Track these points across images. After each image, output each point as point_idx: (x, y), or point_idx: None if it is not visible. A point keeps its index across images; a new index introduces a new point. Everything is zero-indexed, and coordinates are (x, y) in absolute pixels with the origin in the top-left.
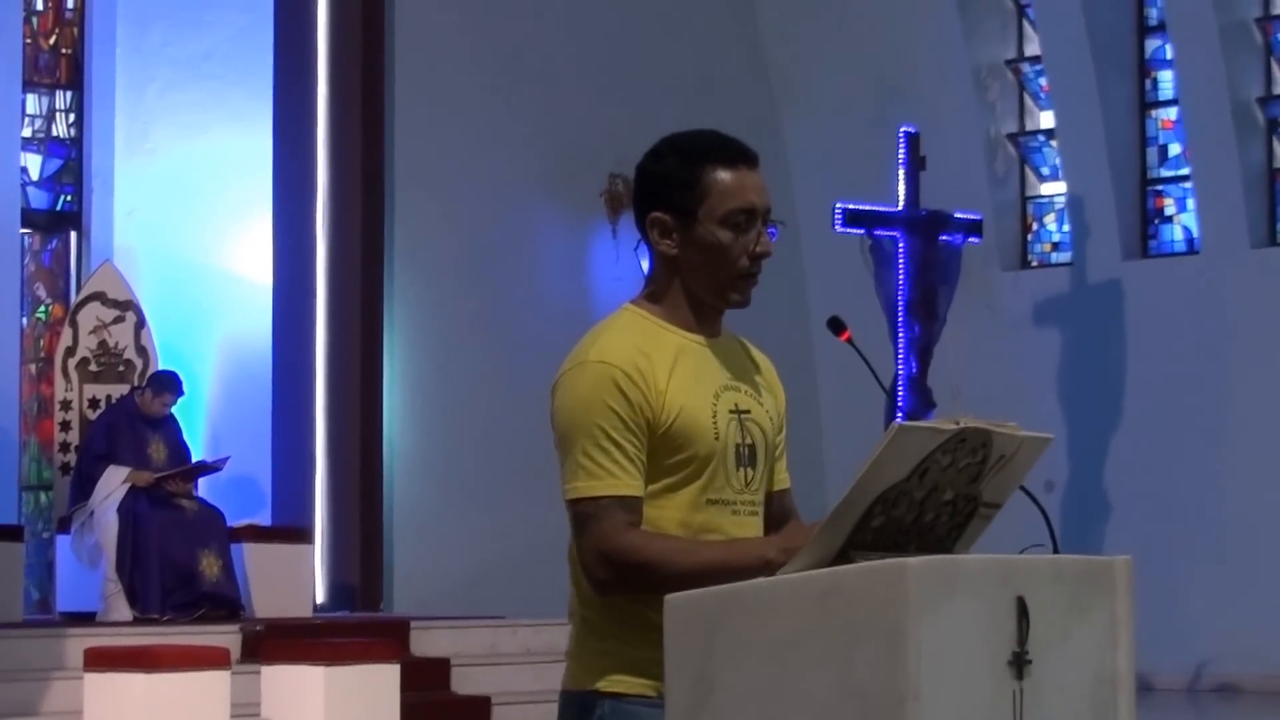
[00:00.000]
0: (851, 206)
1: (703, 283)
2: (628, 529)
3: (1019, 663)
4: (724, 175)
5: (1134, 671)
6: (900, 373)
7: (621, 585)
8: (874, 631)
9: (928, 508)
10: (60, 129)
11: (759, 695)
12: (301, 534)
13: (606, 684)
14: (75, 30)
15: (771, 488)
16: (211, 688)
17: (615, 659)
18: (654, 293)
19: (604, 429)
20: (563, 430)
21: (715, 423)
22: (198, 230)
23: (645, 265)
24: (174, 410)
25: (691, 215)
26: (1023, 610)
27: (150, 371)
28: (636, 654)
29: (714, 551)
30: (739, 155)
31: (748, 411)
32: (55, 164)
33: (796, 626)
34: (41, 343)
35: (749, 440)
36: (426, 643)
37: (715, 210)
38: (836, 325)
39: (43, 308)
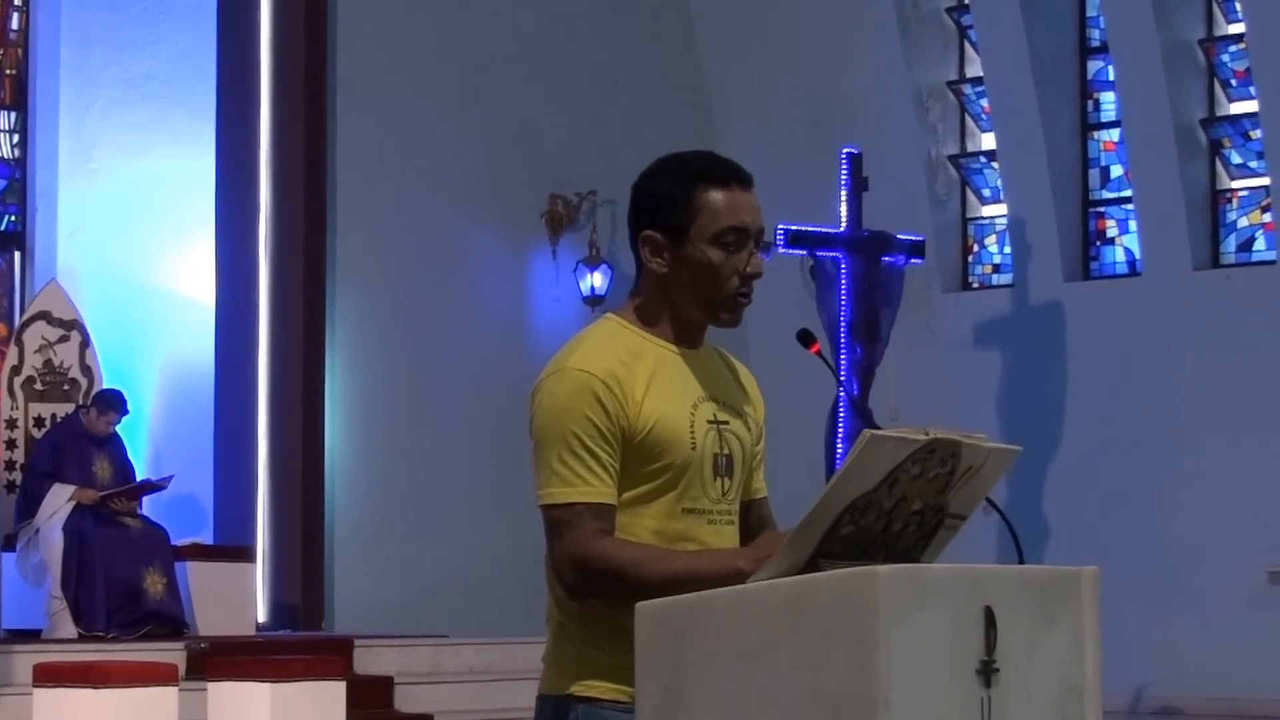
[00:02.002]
0: (794, 227)
1: (692, 302)
2: (600, 536)
3: (987, 671)
4: (715, 195)
5: (1100, 681)
6: (841, 395)
7: (592, 591)
8: (844, 639)
9: (896, 517)
10: (4, 149)
11: (729, 703)
12: (244, 553)
13: (580, 688)
14: (19, 51)
15: (748, 496)
16: (160, 704)
17: (589, 664)
18: (640, 306)
19: (579, 436)
20: (539, 436)
21: (693, 433)
22: (141, 250)
23: (584, 286)
24: (118, 429)
25: (682, 234)
26: (990, 619)
27: (95, 390)
28: (611, 660)
29: (685, 560)
30: (731, 175)
31: (726, 422)
32: None
33: (766, 634)
34: None
35: (727, 450)
36: (370, 661)
37: (706, 229)
38: (806, 338)
39: None
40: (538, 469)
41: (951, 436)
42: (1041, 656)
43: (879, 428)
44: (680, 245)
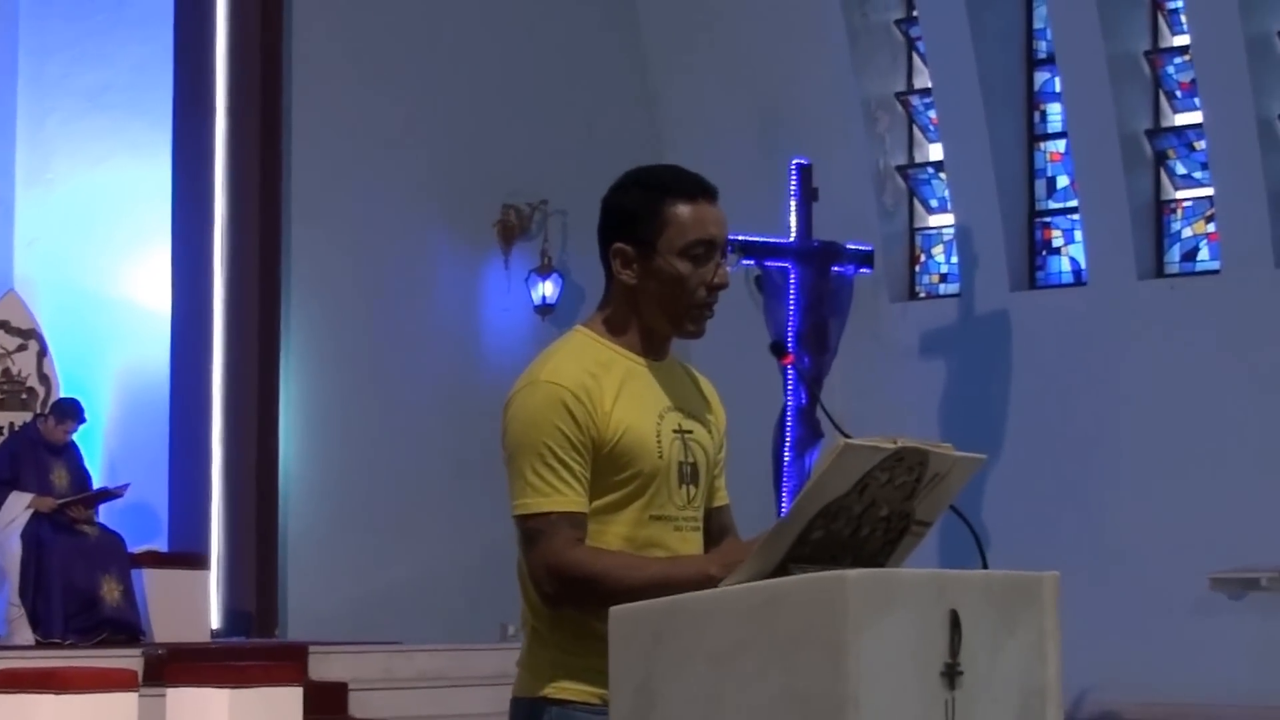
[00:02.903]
0: (743, 238)
1: (659, 313)
2: (575, 544)
3: (951, 674)
4: (683, 208)
5: (1061, 683)
6: (789, 405)
7: (568, 598)
8: (814, 642)
9: (864, 523)
10: None
11: (700, 705)
12: (198, 560)
13: (553, 690)
14: None
15: (710, 504)
16: (120, 709)
17: (562, 667)
18: (608, 318)
19: (551, 447)
20: (512, 448)
21: (659, 442)
22: (97, 260)
23: (535, 295)
24: (74, 437)
25: (651, 246)
26: (955, 623)
27: (52, 399)
28: (582, 663)
29: (657, 567)
30: (698, 189)
31: (690, 431)
32: None
33: (738, 637)
34: None
35: (691, 459)
36: (324, 667)
37: (674, 242)
38: (779, 349)
39: None
40: (511, 480)
41: (919, 445)
42: (1004, 659)
43: (849, 436)
44: (649, 258)
